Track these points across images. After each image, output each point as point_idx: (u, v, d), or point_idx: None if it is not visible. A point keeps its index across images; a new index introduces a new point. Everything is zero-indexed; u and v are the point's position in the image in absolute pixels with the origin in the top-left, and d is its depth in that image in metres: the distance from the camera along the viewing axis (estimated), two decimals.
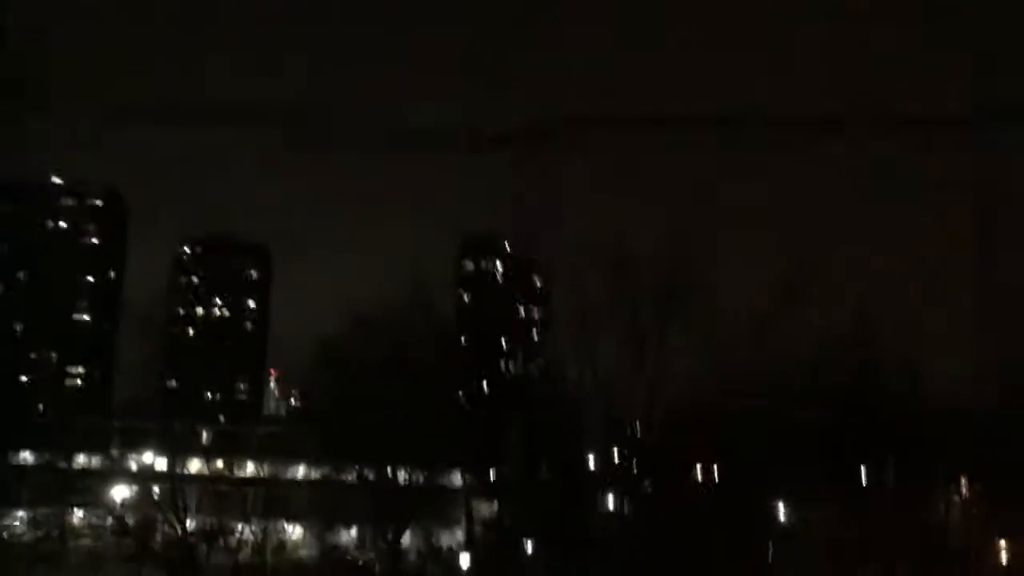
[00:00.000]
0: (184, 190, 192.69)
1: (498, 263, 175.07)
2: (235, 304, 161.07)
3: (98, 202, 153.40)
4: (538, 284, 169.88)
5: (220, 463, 74.85)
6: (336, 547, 35.46)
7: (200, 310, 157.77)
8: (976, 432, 35.24)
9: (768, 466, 34.13)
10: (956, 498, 37.93)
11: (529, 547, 34.35)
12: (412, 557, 33.98)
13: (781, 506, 41.80)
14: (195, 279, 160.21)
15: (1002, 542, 36.67)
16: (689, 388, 32.08)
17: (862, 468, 37.74)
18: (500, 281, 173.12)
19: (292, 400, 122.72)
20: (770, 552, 34.35)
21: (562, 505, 33.86)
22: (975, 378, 35.83)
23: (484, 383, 47.44)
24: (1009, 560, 36.17)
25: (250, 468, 74.51)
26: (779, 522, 39.16)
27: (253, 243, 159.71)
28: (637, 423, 33.73)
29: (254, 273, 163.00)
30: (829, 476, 36.49)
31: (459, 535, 33.58)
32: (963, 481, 38.15)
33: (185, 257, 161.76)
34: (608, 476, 37.26)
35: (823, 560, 35.82)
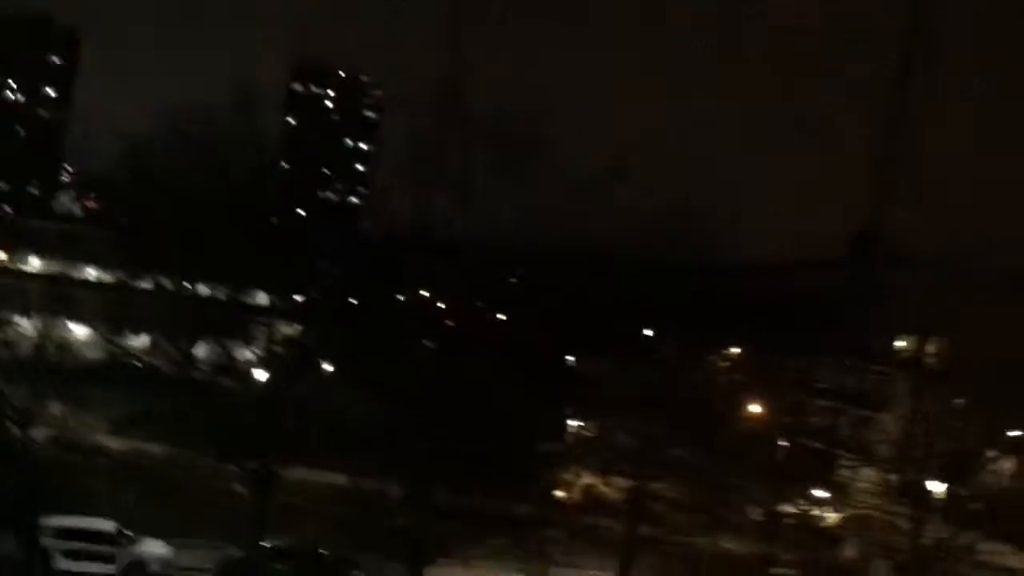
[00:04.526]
0: None
1: (330, 91, 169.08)
2: (30, 89, 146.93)
3: None
4: (369, 115, 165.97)
5: (3, 254, 69.77)
6: (125, 350, 34.14)
7: None
8: (755, 305, 38.38)
9: (567, 321, 35.78)
10: (722, 363, 41.61)
11: (328, 368, 34.65)
12: (205, 368, 33.31)
13: (573, 359, 44.37)
14: None
15: (754, 406, 40.76)
16: (511, 235, 32.73)
17: (647, 330, 40.50)
18: (330, 109, 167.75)
19: (88, 201, 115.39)
20: (559, 398, 36.53)
21: (367, 332, 34.15)
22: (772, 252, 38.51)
23: (300, 209, 46.06)
24: (756, 419, 40.35)
25: (36, 263, 69.90)
26: (571, 373, 41.58)
27: (59, 24, 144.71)
28: (453, 263, 34.19)
29: (56, 58, 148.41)
30: (619, 335, 38.88)
31: (257, 352, 33.16)
32: (731, 349, 41.79)
33: None
34: (417, 309, 37.80)
35: (602, 409, 38.50)
